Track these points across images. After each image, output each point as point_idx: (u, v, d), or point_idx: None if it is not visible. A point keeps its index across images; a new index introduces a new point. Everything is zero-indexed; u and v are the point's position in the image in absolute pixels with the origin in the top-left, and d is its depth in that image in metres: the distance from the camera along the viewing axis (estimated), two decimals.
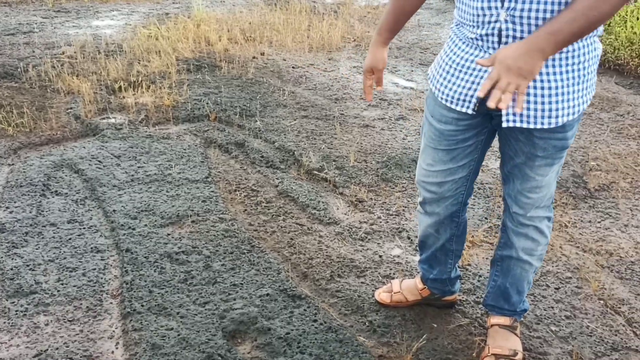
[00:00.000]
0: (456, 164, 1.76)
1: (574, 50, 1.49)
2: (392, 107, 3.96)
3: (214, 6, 6.31)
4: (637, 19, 4.74)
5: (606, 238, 2.63)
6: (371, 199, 2.89)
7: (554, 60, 1.48)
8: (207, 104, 3.84)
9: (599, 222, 2.75)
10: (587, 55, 1.51)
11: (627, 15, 4.93)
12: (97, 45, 4.85)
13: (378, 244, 2.55)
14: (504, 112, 1.52)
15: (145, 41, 4.87)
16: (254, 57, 4.79)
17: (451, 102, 1.64)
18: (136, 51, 4.68)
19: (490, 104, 1.37)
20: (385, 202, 2.86)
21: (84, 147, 3.27)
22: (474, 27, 1.54)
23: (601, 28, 1.53)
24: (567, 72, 1.50)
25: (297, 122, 3.68)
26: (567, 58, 1.49)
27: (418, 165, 1.88)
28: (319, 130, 3.58)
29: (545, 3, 1.39)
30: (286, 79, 4.38)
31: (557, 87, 1.50)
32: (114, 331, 2.00)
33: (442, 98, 1.66)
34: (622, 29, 4.74)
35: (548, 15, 1.40)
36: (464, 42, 1.60)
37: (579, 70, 1.51)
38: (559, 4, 1.39)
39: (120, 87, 4.01)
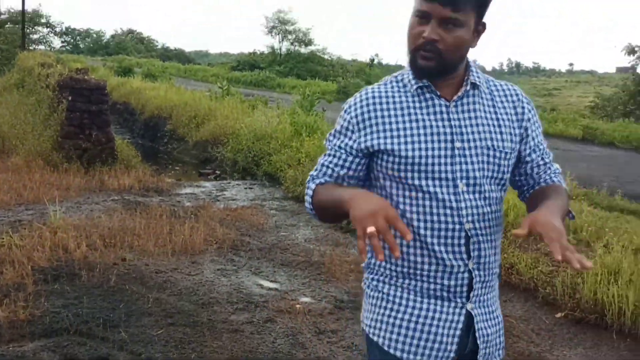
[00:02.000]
0: None
1: (498, 275, 1.64)
2: (259, 309, 4.06)
3: (71, 212, 6.25)
4: None
5: None
6: None
7: (493, 298, 1.62)
8: (67, 316, 3.67)
9: None
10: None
11: None
12: None
13: None
14: (480, 352, 1.56)
15: None
16: (114, 264, 4.73)
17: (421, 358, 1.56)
18: None
19: (578, 265, 1.27)
20: None
21: None
22: (436, 278, 1.54)
23: None
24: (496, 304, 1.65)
25: (164, 330, 3.63)
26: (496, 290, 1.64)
27: None
28: (187, 338, 3.55)
29: (495, 255, 1.58)
30: (150, 285, 4.35)
31: (501, 322, 1.65)
32: None
33: (412, 359, 1.57)
34: None
35: (496, 263, 1.59)
36: (417, 294, 1.57)
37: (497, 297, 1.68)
38: (497, 252, 1.60)
39: None
